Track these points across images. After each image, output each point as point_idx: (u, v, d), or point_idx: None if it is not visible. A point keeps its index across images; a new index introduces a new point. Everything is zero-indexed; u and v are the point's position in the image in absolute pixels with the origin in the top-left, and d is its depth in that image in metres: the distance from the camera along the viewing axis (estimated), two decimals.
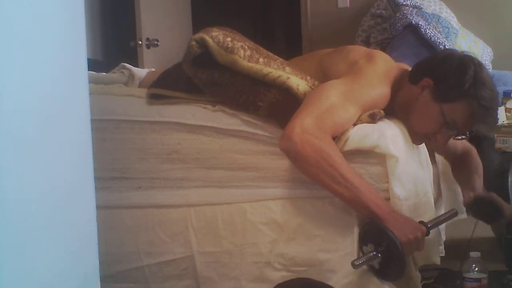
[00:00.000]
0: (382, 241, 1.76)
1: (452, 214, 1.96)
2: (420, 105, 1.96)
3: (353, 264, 1.75)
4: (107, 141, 2.02)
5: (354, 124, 1.88)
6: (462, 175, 2.22)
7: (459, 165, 2.26)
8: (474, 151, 2.28)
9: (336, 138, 1.85)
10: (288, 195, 1.93)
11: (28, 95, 1.01)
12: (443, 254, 2.08)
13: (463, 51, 2.09)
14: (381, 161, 1.86)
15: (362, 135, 1.86)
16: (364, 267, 1.81)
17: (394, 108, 2.00)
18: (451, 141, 2.07)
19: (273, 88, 1.91)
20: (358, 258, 1.77)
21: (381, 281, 1.83)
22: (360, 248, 1.84)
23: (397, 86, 2.00)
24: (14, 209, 0.98)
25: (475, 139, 2.19)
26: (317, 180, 1.81)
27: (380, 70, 1.97)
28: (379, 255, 1.77)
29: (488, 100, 1.92)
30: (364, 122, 1.90)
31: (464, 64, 1.94)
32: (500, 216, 2.05)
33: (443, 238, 2.21)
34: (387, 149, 1.83)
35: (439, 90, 1.94)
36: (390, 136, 1.86)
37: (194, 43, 1.98)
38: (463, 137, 2.01)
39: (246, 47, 1.96)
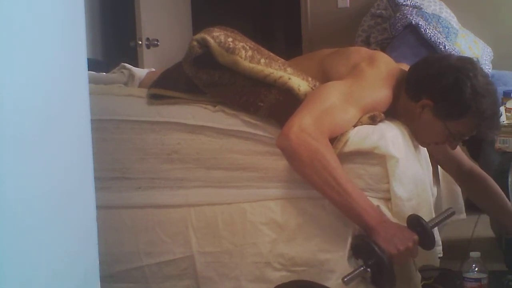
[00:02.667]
0: (370, 256, 1.74)
1: (449, 214, 1.94)
2: (423, 122, 1.97)
3: (343, 281, 1.74)
4: (107, 141, 2.02)
5: (354, 126, 1.89)
6: (494, 206, 2.30)
7: (482, 193, 2.34)
8: (489, 178, 2.33)
9: (336, 139, 1.85)
10: (288, 195, 1.93)
11: (28, 95, 1.01)
12: (441, 255, 2.08)
13: (456, 57, 2.07)
14: (381, 162, 1.86)
15: (362, 136, 1.86)
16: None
17: (396, 112, 2.00)
18: (455, 157, 2.14)
19: (274, 88, 1.91)
20: (348, 274, 1.75)
21: None
22: (355, 260, 1.83)
23: (398, 88, 2.00)
24: (14, 209, 0.98)
25: (475, 140, 2.20)
26: (310, 181, 1.80)
27: (381, 73, 1.97)
28: (369, 269, 1.75)
29: (491, 109, 1.93)
30: (365, 124, 1.90)
31: (459, 81, 1.91)
32: None
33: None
34: (387, 150, 1.83)
35: (440, 109, 1.94)
36: (390, 137, 1.86)
37: (195, 43, 1.97)
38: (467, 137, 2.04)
39: (248, 47, 1.95)
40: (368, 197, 1.83)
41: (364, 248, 1.77)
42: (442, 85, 1.93)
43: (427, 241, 1.82)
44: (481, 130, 1.96)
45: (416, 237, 1.77)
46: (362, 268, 1.75)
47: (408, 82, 2.01)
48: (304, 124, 1.77)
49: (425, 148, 2.11)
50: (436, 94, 1.94)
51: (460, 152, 2.31)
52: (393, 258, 1.73)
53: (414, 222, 1.82)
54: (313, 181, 1.79)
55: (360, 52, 2.12)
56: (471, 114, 1.92)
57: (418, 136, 2.00)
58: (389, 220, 1.80)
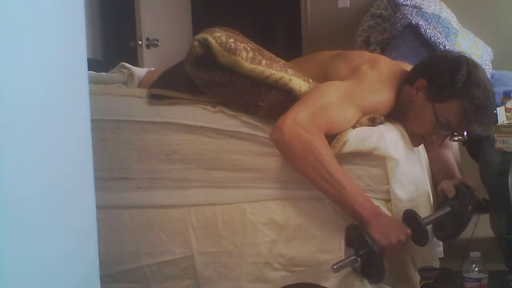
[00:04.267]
0: (362, 246, 1.75)
1: (445, 212, 1.94)
2: (415, 106, 1.97)
3: (332, 268, 1.74)
4: (107, 141, 2.02)
5: (354, 127, 1.89)
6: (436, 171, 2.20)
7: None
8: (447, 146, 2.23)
9: (335, 138, 1.85)
10: (288, 195, 1.93)
11: (28, 95, 1.01)
12: (441, 255, 2.08)
13: (459, 52, 2.09)
14: (381, 163, 1.86)
15: (362, 137, 1.86)
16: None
17: (394, 111, 2.00)
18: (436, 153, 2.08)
19: (275, 89, 1.91)
20: (338, 261, 1.76)
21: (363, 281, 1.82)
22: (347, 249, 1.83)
23: (399, 90, 2.01)
24: (14, 209, 0.98)
25: (475, 139, 2.19)
26: (304, 174, 1.81)
27: (383, 76, 1.98)
28: (359, 259, 1.75)
29: (481, 99, 1.92)
30: (364, 125, 1.90)
31: (457, 64, 1.95)
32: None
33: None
34: (387, 152, 1.83)
35: (432, 90, 1.94)
36: (389, 138, 1.86)
37: (196, 43, 1.97)
38: (460, 137, 2.01)
39: (249, 48, 1.95)
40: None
41: (356, 238, 1.77)
42: (440, 64, 1.98)
43: (420, 236, 1.82)
44: (467, 119, 1.92)
45: (409, 231, 1.77)
46: (352, 258, 1.75)
47: (411, 70, 2.05)
48: (298, 118, 1.77)
49: (425, 150, 2.11)
50: (432, 73, 1.97)
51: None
52: (384, 250, 1.73)
53: (409, 217, 1.82)
54: (306, 174, 1.79)
55: (362, 55, 2.13)
56: (460, 97, 1.91)
57: (408, 127, 1.98)
58: (383, 213, 1.80)
